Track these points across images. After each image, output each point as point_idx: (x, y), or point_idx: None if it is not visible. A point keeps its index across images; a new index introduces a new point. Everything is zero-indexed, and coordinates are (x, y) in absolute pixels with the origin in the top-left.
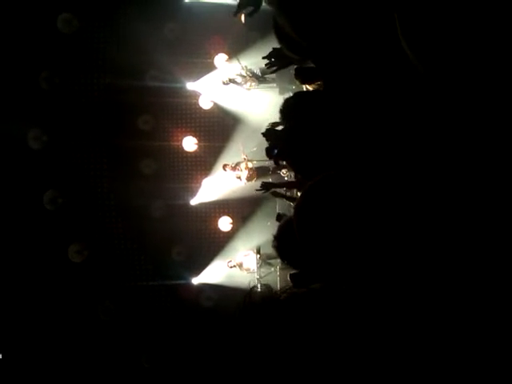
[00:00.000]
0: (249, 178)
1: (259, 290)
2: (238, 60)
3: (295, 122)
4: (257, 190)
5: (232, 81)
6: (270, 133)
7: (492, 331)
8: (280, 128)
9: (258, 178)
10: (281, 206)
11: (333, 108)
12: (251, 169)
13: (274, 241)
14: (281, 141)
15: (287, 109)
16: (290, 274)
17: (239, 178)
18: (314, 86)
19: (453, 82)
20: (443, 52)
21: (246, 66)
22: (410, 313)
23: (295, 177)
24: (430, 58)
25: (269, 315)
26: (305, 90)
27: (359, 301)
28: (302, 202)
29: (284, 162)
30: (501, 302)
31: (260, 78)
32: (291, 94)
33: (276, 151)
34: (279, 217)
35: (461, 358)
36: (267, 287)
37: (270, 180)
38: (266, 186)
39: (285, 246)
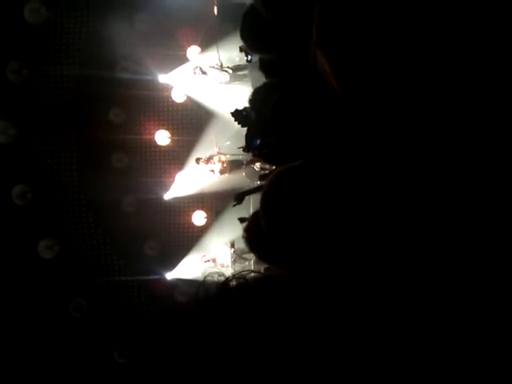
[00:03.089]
0: (222, 171)
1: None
2: (217, 51)
3: (269, 114)
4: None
5: (203, 72)
6: (237, 113)
7: (489, 330)
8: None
9: (231, 172)
10: (255, 200)
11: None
12: (224, 162)
13: (244, 232)
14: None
15: (257, 99)
16: (264, 269)
17: (212, 171)
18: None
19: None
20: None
21: (220, 62)
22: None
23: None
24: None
25: (221, 306)
26: None
27: (311, 291)
28: (268, 190)
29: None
30: (499, 300)
31: (233, 72)
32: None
33: (258, 142)
34: (237, 196)
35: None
36: (219, 275)
37: (244, 174)
38: (239, 198)
39: (254, 237)
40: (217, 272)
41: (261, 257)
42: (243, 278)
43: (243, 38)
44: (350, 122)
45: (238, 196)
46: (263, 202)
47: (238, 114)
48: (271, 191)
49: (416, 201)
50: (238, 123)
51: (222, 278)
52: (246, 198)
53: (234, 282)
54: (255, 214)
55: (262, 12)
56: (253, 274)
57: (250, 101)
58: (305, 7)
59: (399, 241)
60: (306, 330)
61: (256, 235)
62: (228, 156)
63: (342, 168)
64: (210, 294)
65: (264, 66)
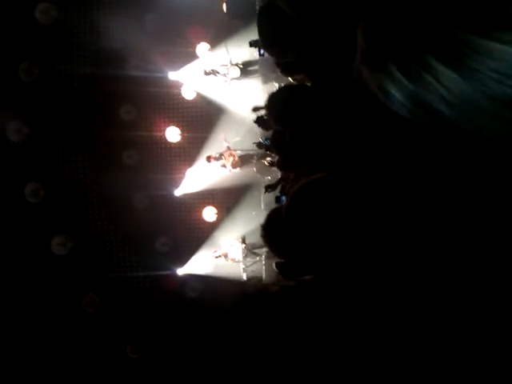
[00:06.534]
0: (234, 165)
1: (250, 282)
2: (225, 48)
3: (294, 123)
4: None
5: (214, 71)
6: (260, 120)
7: (492, 331)
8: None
9: (242, 166)
10: (265, 196)
11: (326, 105)
12: (235, 156)
13: (261, 230)
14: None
15: (277, 106)
16: (276, 263)
17: (224, 166)
18: (298, 78)
19: None
20: None
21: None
22: (406, 308)
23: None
24: None
25: (263, 311)
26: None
27: (353, 294)
28: (292, 201)
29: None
30: (501, 302)
31: (243, 68)
32: (275, 84)
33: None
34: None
35: (458, 356)
36: (258, 280)
37: (255, 169)
38: (270, 187)
39: (273, 235)
40: (254, 277)
41: (279, 255)
42: (280, 284)
43: (263, 38)
44: (383, 135)
45: (268, 186)
46: (286, 214)
47: (261, 121)
48: (294, 203)
49: (436, 217)
50: (262, 129)
51: (259, 285)
52: (257, 193)
53: (273, 288)
54: (272, 213)
55: (287, 11)
56: (289, 282)
57: (268, 105)
58: (332, 8)
59: (414, 251)
60: (334, 330)
61: (274, 234)
62: (238, 152)
63: (365, 183)
64: (249, 299)
65: (285, 68)
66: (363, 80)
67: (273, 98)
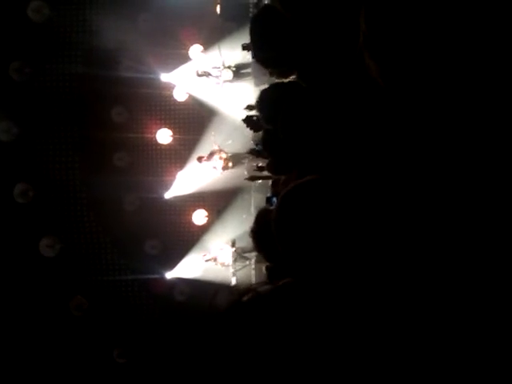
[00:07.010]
0: (224, 168)
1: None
2: (218, 50)
3: (281, 122)
4: (245, 179)
5: (207, 73)
6: (249, 119)
7: (492, 331)
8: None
9: (233, 166)
10: (256, 199)
11: (317, 104)
12: (226, 159)
13: (251, 233)
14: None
15: (268, 104)
16: (266, 267)
17: (215, 168)
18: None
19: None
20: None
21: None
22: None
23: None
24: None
25: (234, 321)
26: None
27: (337, 298)
28: (281, 204)
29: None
30: (501, 302)
31: (235, 70)
32: (267, 86)
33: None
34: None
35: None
36: (231, 290)
37: (246, 172)
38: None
39: (262, 238)
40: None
41: (268, 258)
42: (255, 290)
43: (254, 43)
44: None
45: (251, 178)
46: (276, 216)
47: (249, 121)
48: (284, 206)
49: (427, 222)
50: (250, 129)
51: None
52: (247, 196)
53: (246, 297)
54: (261, 215)
55: (279, 9)
56: (264, 287)
57: (258, 103)
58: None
59: (405, 255)
60: (313, 334)
61: (263, 237)
62: (229, 154)
63: (355, 187)
64: (223, 309)
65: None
66: (365, 65)
67: (263, 96)
